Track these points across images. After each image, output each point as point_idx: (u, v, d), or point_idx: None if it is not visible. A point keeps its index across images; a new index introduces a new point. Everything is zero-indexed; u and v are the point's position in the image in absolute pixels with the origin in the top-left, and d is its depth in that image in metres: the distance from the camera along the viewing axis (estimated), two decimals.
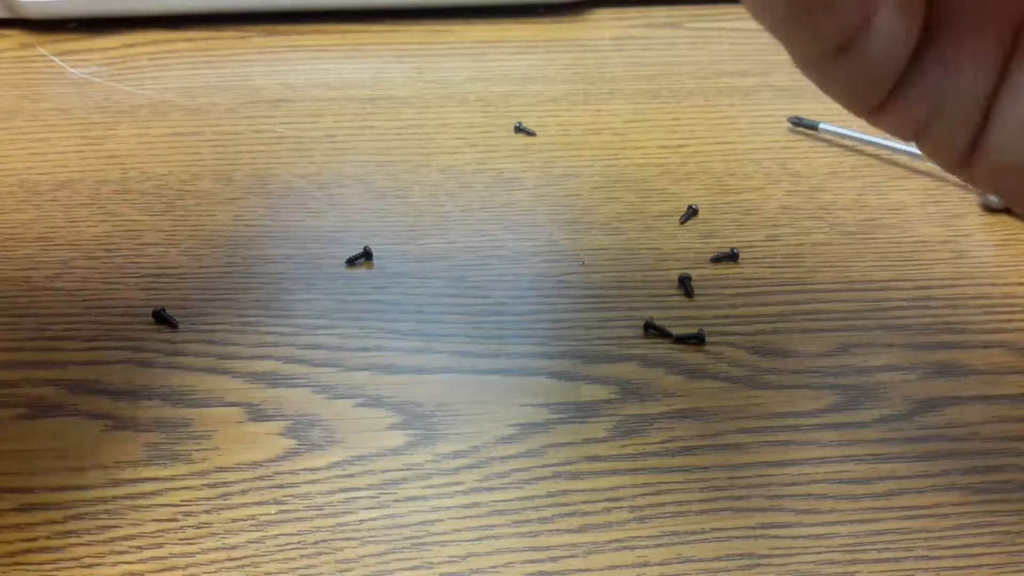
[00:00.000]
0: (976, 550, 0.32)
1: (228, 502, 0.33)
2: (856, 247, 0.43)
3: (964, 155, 0.20)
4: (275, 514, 0.33)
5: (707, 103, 0.51)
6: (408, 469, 0.34)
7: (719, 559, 0.32)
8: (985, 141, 0.20)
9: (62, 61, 0.52)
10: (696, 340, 0.38)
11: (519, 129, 0.49)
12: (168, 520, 0.32)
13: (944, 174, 0.46)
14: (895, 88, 0.20)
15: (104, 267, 0.41)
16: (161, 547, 0.32)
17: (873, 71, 0.19)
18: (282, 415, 0.36)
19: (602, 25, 0.57)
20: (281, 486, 0.33)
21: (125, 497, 0.33)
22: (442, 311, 0.40)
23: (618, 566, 0.32)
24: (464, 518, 0.33)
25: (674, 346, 0.38)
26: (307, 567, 0.31)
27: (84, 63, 0.52)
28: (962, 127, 0.20)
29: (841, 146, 0.49)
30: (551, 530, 0.32)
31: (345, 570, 0.31)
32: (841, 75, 0.19)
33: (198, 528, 0.32)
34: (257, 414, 0.36)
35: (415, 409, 0.36)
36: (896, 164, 0.47)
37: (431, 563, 0.31)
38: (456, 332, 0.39)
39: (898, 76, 0.19)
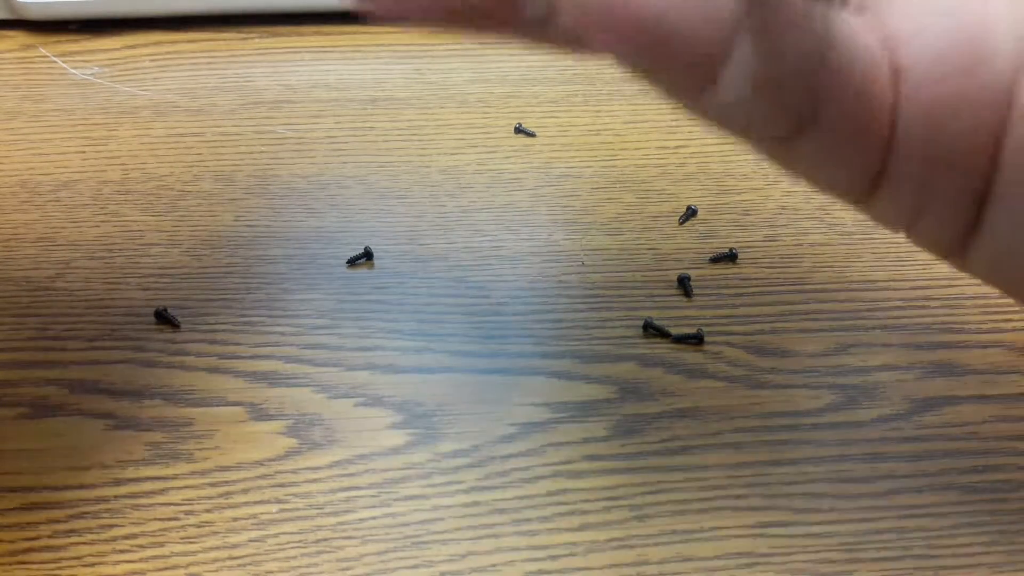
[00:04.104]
0: (974, 549, 0.33)
1: (230, 501, 0.33)
2: (854, 247, 0.43)
3: (956, 245, 0.19)
4: (276, 513, 0.33)
5: None
6: (408, 468, 0.34)
7: (718, 558, 0.32)
8: (979, 232, 0.19)
9: (63, 62, 0.52)
10: (695, 340, 0.39)
11: (519, 130, 0.49)
12: (170, 519, 0.33)
13: None
14: (877, 177, 0.18)
15: (106, 267, 0.41)
16: (163, 546, 0.32)
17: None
18: (283, 414, 0.36)
19: None
20: (282, 485, 0.34)
21: (127, 496, 0.33)
22: (442, 311, 0.40)
23: (617, 564, 0.32)
24: (464, 517, 0.33)
25: (673, 346, 0.39)
26: (308, 565, 0.31)
27: (85, 64, 0.52)
28: (953, 219, 0.19)
29: None
30: (551, 529, 0.33)
31: (346, 568, 0.31)
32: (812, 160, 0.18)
33: (200, 527, 0.32)
34: (258, 413, 0.36)
35: (415, 408, 0.36)
36: None
37: (431, 561, 0.32)
38: (456, 332, 0.39)
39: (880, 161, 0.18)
